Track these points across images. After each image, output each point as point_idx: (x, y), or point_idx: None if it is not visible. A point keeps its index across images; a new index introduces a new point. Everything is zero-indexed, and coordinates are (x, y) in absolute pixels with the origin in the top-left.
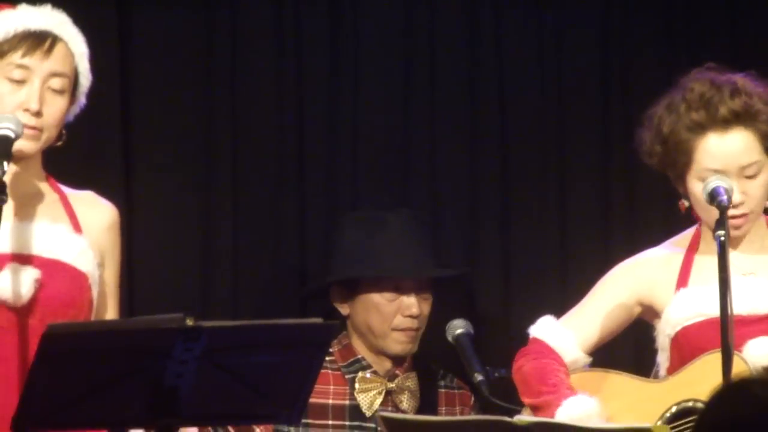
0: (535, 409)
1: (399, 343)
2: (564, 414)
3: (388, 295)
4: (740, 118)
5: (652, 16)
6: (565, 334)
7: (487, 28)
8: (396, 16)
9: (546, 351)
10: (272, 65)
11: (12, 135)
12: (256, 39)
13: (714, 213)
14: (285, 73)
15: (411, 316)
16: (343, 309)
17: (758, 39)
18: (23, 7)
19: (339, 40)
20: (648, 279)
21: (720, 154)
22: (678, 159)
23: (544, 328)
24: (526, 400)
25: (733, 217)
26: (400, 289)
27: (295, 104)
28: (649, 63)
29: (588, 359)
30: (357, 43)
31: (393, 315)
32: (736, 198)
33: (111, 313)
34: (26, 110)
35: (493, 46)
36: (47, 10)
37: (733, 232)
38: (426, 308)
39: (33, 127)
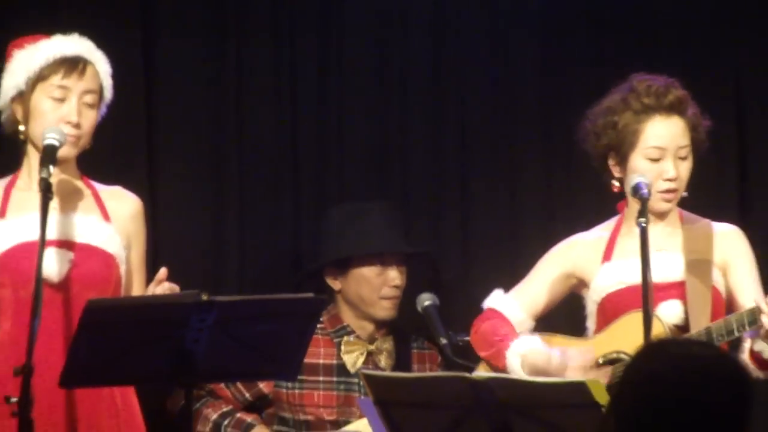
0: (490, 359)
1: (385, 310)
2: (513, 351)
3: (375, 269)
4: (680, 106)
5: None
6: (513, 303)
7: (451, 39)
8: (372, 35)
9: (497, 316)
10: (270, 85)
11: (57, 144)
12: (258, 63)
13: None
14: (281, 92)
15: (395, 286)
16: (335, 284)
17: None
18: (57, 37)
19: (327, 67)
20: (579, 257)
21: (664, 134)
22: (626, 139)
23: (495, 299)
24: (482, 353)
25: (668, 191)
26: (384, 264)
27: (290, 115)
28: (585, 63)
29: (532, 323)
30: (340, 68)
31: (380, 286)
32: (672, 174)
33: (137, 286)
34: (68, 123)
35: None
36: (76, 38)
37: (665, 206)
38: (404, 279)
39: (73, 136)
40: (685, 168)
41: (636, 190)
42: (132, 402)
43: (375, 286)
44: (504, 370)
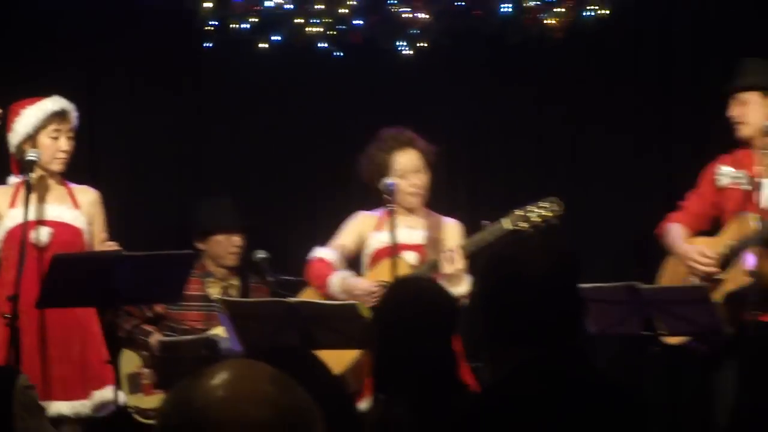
0: (319, 288)
1: (232, 260)
2: (334, 279)
3: (224, 237)
4: (410, 143)
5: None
6: (329, 252)
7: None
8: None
9: (319, 261)
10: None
11: (36, 160)
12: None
13: (400, 194)
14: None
15: (237, 246)
16: (202, 246)
17: None
18: (50, 99)
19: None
20: (363, 224)
21: (404, 159)
22: (383, 168)
23: (318, 251)
24: (314, 285)
25: (411, 194)
26: (230, 233)
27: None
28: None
29: (341, 261)
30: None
31: (228, 246)
32: (416, 182)
33: (97, 246)
34: (63, 152)
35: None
36: (60, 99)
37: (413, 200)
38: (242, 241)
39: (64, 159)
40: (423, 179)
41: (388, 186)
42: (92, 317)
43: (225, 246)
44: (330, 293)
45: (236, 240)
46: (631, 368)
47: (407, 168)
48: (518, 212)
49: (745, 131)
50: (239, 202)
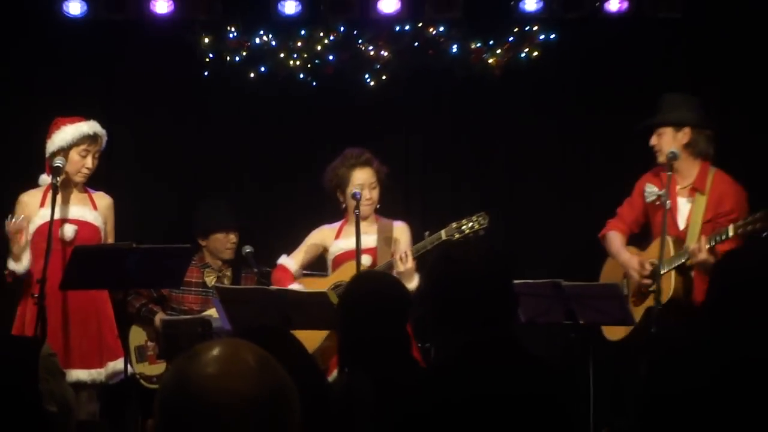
0: None
1: (229, 254)
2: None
3: (222, 235)
4: (368, 162)
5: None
6: (290, 261)
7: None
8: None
9: (282, 269)
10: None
11: (62, 166)
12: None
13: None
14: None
15: (233, 243)
16: (203, 243)
17: None
18: (87, 123)
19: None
20: (323, 236)
21: (360, 176)
22: (343, 181)
23: (282, 260)
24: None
25: (365, 205)
26: (227, 232)
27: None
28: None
29: (302, 272)
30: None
31: (225, 242)
32: (368, 196)
33: (110, 241)
34: (87, 168)
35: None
36: (95, 124)
37: (366, 210)
38: (237, 239)
39: (87, 174)
40: (375, 193)
41: (354, 195)
42: (106, 300)
43: (223, 243)
44: None
45: (232, 237)
46: (554, 351)
47: (363, 183)
48: (454, 225)
49: (660, 158)
50: (233, 205)
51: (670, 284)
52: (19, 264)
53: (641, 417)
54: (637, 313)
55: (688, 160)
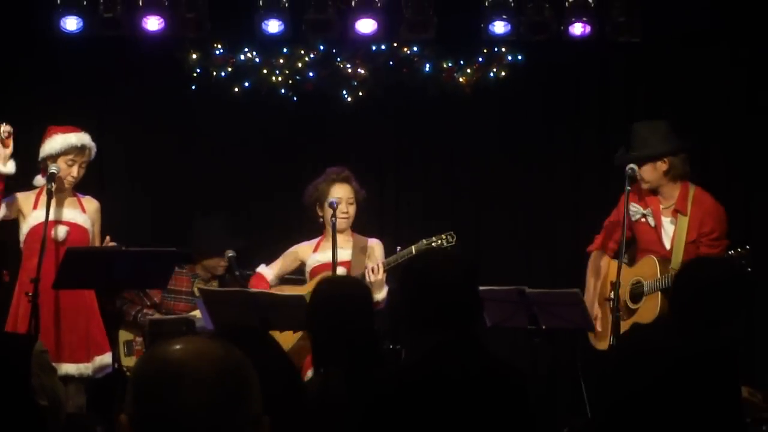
0: None
1: (221, 272)
2: None
3: (218, 258)
4: (347, 179)
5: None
6: (267, 270)
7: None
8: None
9: (259, 277)
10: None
11: (57, 172)
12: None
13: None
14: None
15: (225, 261)
16: (199, 258)
17: None
18: (75, 134)
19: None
20: (301, 250)
21: (339, 191)
22: (322, 195)
23: (260, 269)
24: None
25: (342, 219)
26: (222, 255)
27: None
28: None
29: (278, 282)
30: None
31: (220, 262)
32: (345, 210)
33: (96, 243)
34: (73, 177)
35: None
36: (84, 136)
37: (342, 224)
38: (227, 260)
39: (72, 182)
40: (353, 208)
41: (331, 204)
42: (94, 300)
43: (217, 262)
44: None
45: (222, 258)
46: (518, 353)
47: (341, 197)
48: (424, 241)
49: (644, 186)
50: (229, 222)
51: (657, 303)
52: (4, 167)
53: (596, 417)
54: (623, 327)
55: (669, 185)
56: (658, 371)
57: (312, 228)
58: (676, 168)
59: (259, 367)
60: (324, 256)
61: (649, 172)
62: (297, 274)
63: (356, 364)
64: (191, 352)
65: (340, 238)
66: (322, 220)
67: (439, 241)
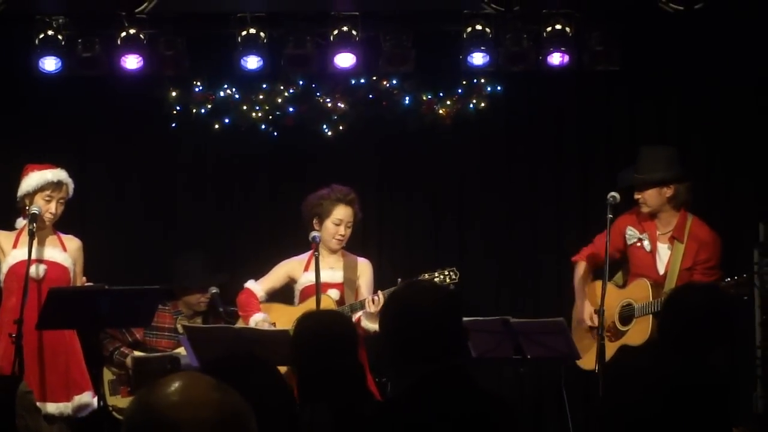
0: (244, 318)
1: (203, 308)
2: (253, 319)
3: (199, 294)
4: (352, 202)
5: None
6: (257, 286)
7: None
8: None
9: (249, 293)
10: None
11: (38, 213)
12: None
13: (328, 237)
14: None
15: (207, 298)
16: (180, 295)
17: None
18: (52, 171)
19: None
20: (291, 267)
21: (342, 212)
22: (325, 212)
23: (249, 284)
24: (241, 314)
25: (338, 240)
26: (201, 292)
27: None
28: None
29: (266, 297)
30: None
31: (201, 298)
32: (342, 233)
33: (78, 282)
34: (51, 213)
35: None
36: (61, 172)
37: (336, 245)
38: (207, 296)
39: (51, 219)
40: (348, 231)
41: (314, 239)
42: (75, 338)
43: (198, 299)
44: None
45: (204, 294)
46: (503, 383)
47: (343, 219)
48: (426, 275)
49: (645, 209)
50: (210, 258)
51: (647, 326)
52: None
53: None
54: (611, 348)
55: (669, 211)
56: (654, 406)
57: (298, 252)
58: (680, 195)
59: (252, 395)
60: (310, 275)
61: (654, 197)
62: (286, 289)
63: (342, 399)
64: (186, 397)
65: (331, 258)
66: (314, 236)
67: (442, 277)
